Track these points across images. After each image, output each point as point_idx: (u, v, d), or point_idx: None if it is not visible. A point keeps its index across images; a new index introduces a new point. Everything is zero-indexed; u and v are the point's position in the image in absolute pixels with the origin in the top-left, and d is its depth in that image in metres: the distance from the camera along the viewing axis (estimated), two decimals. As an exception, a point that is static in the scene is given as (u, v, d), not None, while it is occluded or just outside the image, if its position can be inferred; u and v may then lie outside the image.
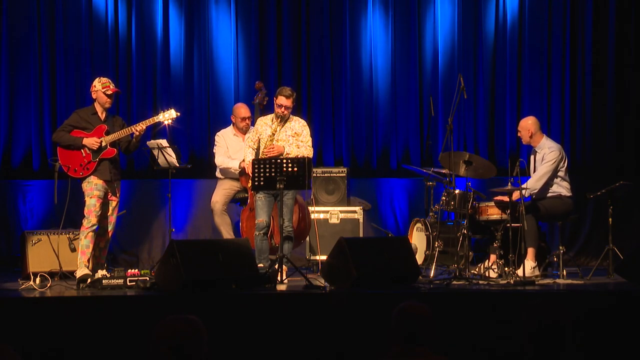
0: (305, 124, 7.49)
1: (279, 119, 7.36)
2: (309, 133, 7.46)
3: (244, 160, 7.66)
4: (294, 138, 7.36)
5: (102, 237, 7.12)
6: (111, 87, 7.15)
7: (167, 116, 7.23)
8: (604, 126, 9.73)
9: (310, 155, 7.29)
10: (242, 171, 7.80)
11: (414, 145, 9.81)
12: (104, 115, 7.16)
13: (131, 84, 9.64)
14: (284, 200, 7.00)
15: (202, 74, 9.73)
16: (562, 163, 7.61)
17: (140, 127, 7.07)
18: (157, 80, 9.67)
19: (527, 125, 7.74)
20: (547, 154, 7.58)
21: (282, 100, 7.31)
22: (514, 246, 7.00)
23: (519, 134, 7.82)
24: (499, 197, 7.46)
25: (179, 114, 7.35)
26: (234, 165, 8.11)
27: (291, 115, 7.46)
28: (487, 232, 7.76)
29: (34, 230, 8.22)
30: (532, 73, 9.79)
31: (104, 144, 7.04)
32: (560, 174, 7.62)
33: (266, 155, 7.24)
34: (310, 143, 7.41)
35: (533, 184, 7.48)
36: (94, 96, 7.16)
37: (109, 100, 7.12)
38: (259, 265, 7.03)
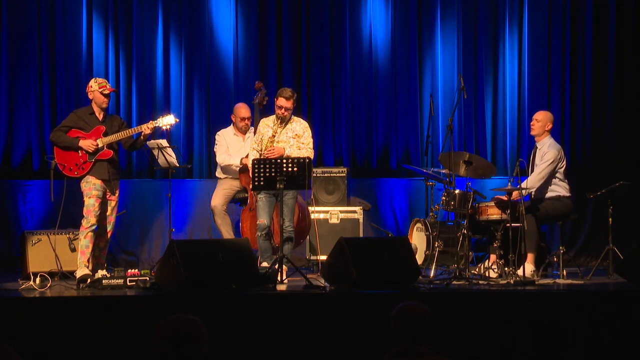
0: (307, 126, 7.49)
1: (280, 120, 7.37)
2: (311, 135, 7.46)
3: (246, 157, 7.68)
4: (295, 139, 7.36)
5: (102, 237, 7.12)
6: (108, 86, 7.17)
7: (166, 121, 7.24)
8: (604, 126, 9.74)
9: (311, 157, 7.29)
10: (243, 168, 7.81)
11: (414, 145, 9.81)
12: (101, 115, 7.16)
13: (131, 84, 9.64)
14: (284, 200, 7.00)
15: (203, 73, 9.73)
16: (560, 164, 7.61)
17: (149, 127, 7.08)
18: (157, 81, 9.66)
19: (548, 117, 7.72)
20: (546, 152, 7.59)
21: (282, 102, 7.32)
22: (514, 246, 7.00)
23: (534, 123, 7.68)
24: (499, 197, 7.46)
25: (177, 120, 7.38)
26: (235, 162, 8.12)
27: (293, 117, 7.46)
28: (487, 232, 7.76)
29: (34, 230, 8.23)
30: (532, 73, 9.79)
31: (100, 145, 7.04)
32: (559, 175, 7.62)
33: (266, 156, 7.24)
34: (311, 145, 7.41)
35: (532, 182, 7.48)
36: (90, 96, 7.16)
37: (105, 100, 7.13)
38: (263, 263, 7.04)
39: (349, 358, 5.63)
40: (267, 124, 7.47)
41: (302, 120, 7.56)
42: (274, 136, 7.38)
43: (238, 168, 8.06)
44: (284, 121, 7.37)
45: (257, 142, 7.49)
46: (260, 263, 7.22)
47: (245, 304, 5.91)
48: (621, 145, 9.65)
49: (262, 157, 7.26)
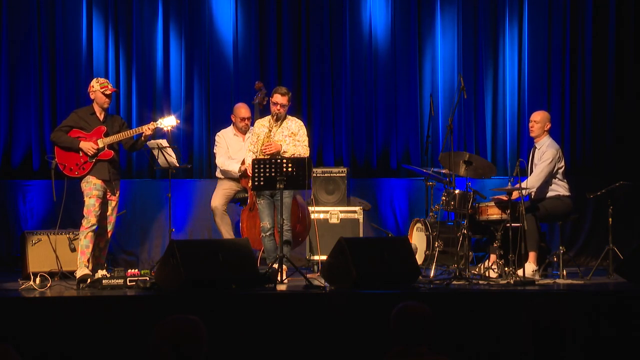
0: (302, 124, 7.50)
1: (275, 118, 7.38)
2: (306, 133, 7.47)
3: (243, 163, 7.67)
4: (291, 138, 7.37)
5: (102, 237, 7.11)
6: (109, 87, 7.16)
7: (167, 123, 7.25)
8: (604, 126, 9.74)
9: (307, 155, 7.29)
10: (243, 174, 7.80)
11: (414, 145, 9.81)
12: (102, 115, 7.16)
13: (131, 83, 9.64)
14: (281, 199, 6.99)
15: (202, 73, 9.73)
16: (559, 163, 7.62)
17: (150, 128, 7.09)
18: (157, 81, 9.67)
19: (546, 117, 7.73)
20: (544, 152, 7.59)
21: (278, 98, 7.33)
22: (514, 246, 6.99)
23: (533, 125, 7.70)
24: (498, 197, 7.47)
25: (178, 121, 7.41)
26: (234, 168, 8.08)
27: (288, 116, 7.47)
28: (487, 232, 7.76)
29: (34, 230, 8.22)
30: (532, 72, 9.79)
31: (101, 145, 7.04)
32: (558, 175, 7.63)
33: (264, 152, 7.25)
34: (306, 143, 7.41)
35: (532, 182, 7.49)
36: (92, 96, 7.17)
37: (107, 100, 7.13)
38: (269, 264, 7.04)
39: (349, 358, 5.63)
40: (263, 124, 7.49)
41: (296, 119, 7.57)
42: (270, 131, 7.38)
43: (237, 174, 8.03)
44: (279, 119, 7.38)
45: (253, 144, 7.49)
46: (268, 264, 7.20)
47: (245, 304, 5.91)
48: (621, 145, 9.65)
49: (260, 154, 7.26)
